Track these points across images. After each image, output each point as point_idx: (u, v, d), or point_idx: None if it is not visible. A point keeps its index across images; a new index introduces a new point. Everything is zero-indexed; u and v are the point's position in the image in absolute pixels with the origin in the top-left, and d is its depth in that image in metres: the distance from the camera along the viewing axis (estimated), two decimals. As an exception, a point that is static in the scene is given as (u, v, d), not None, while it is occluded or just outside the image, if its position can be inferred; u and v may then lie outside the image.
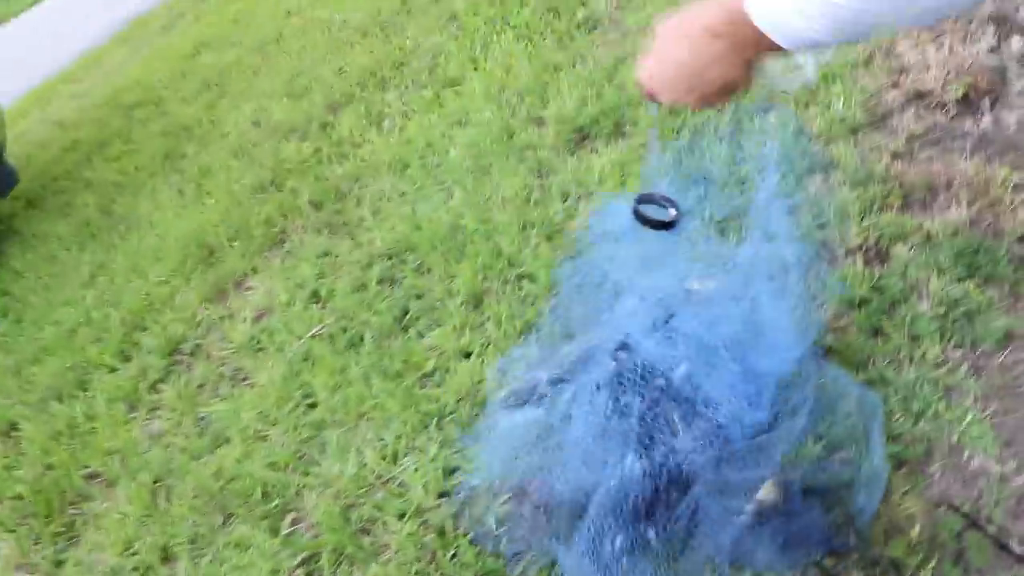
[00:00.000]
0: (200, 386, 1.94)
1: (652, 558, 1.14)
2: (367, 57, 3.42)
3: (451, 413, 1.55)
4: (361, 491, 1.46)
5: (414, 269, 1.99)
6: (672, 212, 1.26)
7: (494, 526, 1.32)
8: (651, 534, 1.15)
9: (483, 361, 1.63)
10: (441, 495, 1.41)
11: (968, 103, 1.96)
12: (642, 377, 1.21)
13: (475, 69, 2.92)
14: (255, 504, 1.52)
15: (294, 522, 1.47)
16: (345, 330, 1.87)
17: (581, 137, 2.31)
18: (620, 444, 1.20)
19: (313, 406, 1.70)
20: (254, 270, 2.31)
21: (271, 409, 1.72)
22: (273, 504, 1.51)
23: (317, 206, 2.48)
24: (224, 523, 1.53)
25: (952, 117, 1.97)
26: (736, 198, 1.73)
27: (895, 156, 1.83)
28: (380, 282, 1.99)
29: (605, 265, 1.50)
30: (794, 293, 1.43)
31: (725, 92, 1.04)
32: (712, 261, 1.38)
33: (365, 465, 1.51)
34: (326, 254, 2.21)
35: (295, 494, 1.52)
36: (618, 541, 1.14)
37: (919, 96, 2.01)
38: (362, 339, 1.82)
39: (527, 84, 2.67)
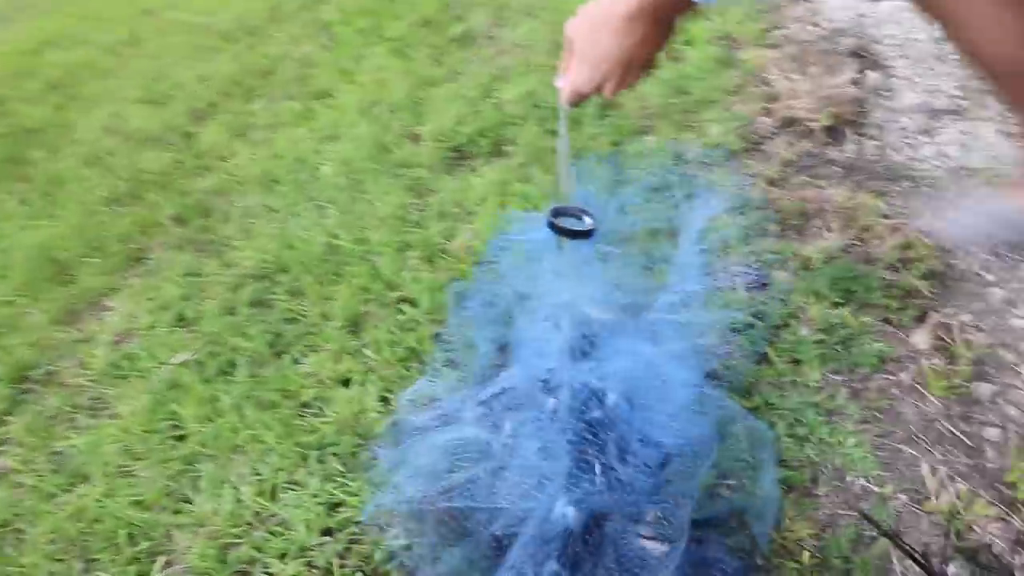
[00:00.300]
0: (53, 417, 1.80)
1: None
2: (232, 64, 3.30)
3: (331, 445, 1.50)
4: (238, 530, 1.40)
5: (287, 291, 1.93)
6: (589, 221, 1.26)
7: (388, 559, 1.29)
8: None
9: (364, 389, 1.60)
10: (324, 532, 1.37)
11: (834, 132, 2.08)
12: (580, 411, 1.22)
13: (347, 82, 2.86)
14: (121, 547, 1.42)
15: (166, 565, 1.39)
16: (215, 356, 1.78)
17: (458, 155, 2.31)
18: (557, 478, 1.21)
19: (182, 438, 1.62)
20: (112, 290, 2.17)
21: (135, 443, 1.62)
22: (141, 547, 1.42)
23: (180, 221, 2.37)
24: (85, 570, 1.43)
25: (821, 144, 2.09)
26: (622, 222, 1.77)
27: (771, 182, 1.92)
28: (251, 305, 1.92)
29: (512, 281, 1.50)
30: (691, 322, 1.48)
31: (648, 67, 1.09)
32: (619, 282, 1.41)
33: (241, 502, 1.45)
34: (192, 274, 2.11)
35: (165, 535, 1.44)
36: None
37: (790, 124, 2.11)
38: (233, 366, 1.75)
39: (401, 99, 2.64)
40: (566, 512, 1.19)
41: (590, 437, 1.26)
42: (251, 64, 3.26)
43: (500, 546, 1.21)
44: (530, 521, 1.18)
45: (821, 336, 1.52)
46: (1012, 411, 1.44)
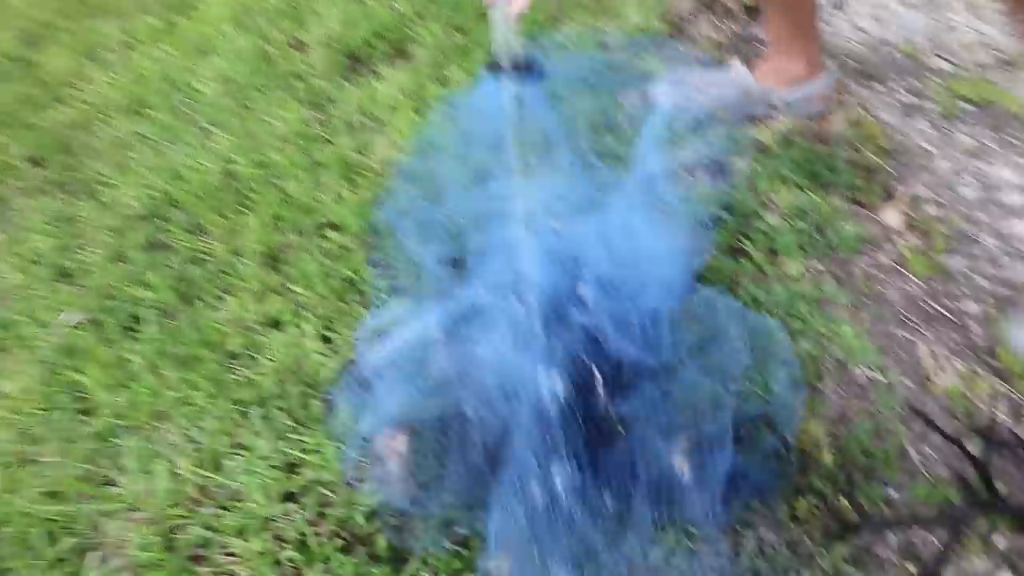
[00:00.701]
0: (-81, 407, 1.52)
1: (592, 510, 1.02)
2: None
3: (275, 398, 1.31)
4: (182, 510, 1.19)
5: (185, 229, 1.67)
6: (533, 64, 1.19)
7: (369, 517, 1.12)
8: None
9: (300, 330, 1.40)
10: (287, 498, 1.18)
11: (754, 11, 1.96)
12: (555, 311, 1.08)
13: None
14: (38, 550, 1.19)
15: (103, 561, 1.18)
16: (112, 312, 1.53)
17: (355, 61, 2.06)
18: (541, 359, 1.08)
19: (90, 412, 1.38)
20: (-35, 249, 1.85)
21: (33, 424, 1.37)
22: (64, 545, 1.19)
23: (38, 162, 2.03)
24: (-2, 580, 1.20)
25: (745, 23, 1.97)
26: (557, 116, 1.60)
27: (705, 66, 1.79)
28: (145, 249, 1.66)
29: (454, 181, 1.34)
30: (667, 221, 1.35)
31: None
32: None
33: (179, 476, 1.24)
34: (62, 220, 1.81)
35: (92, 527, 1.22)
36: (556, 478, 1.01)
37: (709, 4, 1.98)
38: (138, 320, 1.50)
39: (276, 5, 2.35)
40: (554, 381, 1.07)
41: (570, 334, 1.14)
42: (87, -22, 2.84)
43: (496, 460, 1.08)
44: (520, 409, 1.06)
45: (794, 223, 1.43)
46: (983, 283, 1.40)
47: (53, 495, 1.26)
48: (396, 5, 2.21)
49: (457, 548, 1.09)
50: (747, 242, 1.40)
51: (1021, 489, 1.07)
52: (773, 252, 1.39)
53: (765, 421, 1.11)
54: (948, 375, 1.21)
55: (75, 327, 1.52)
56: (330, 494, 1.17)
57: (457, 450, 1.13)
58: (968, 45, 1.97)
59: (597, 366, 1.11)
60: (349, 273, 1.47)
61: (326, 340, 1.38)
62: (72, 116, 2.15)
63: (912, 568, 1.03)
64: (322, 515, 1.15)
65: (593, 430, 1.08)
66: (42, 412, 1.39)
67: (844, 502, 1.08)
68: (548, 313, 1.17)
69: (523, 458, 1.05)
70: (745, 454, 1.05)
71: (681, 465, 1.02)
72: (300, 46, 2.16)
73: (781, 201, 1.45)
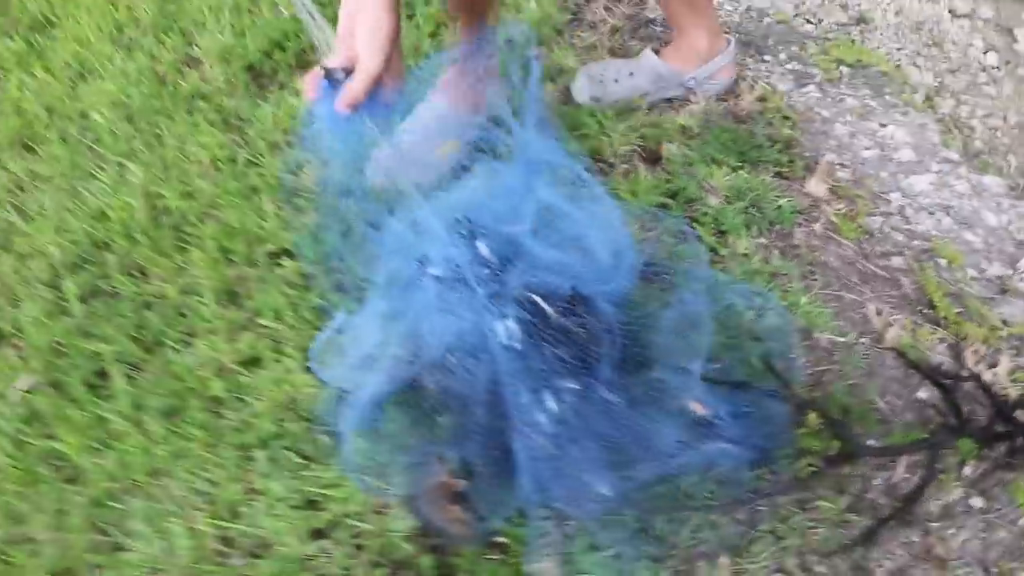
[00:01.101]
0: None
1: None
2: None
3: (277, 437, 1.31)
4: (210, 565, 1.19)
5: (123, 272, 1.62)
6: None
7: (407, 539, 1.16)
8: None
9: (283, 364, 1.40)
10: (317, 535, 1.20)
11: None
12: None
13: (71, 4, 2.38)
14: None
15: (139, 634, 1.16)
16: (70, 370, 1.47)
17: (258, 76, 2.02)
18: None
19: (76, 480, 1.33)
20: None
21: (18, 503, 1.31)
22: (89, 622, 1.17)
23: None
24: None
25: (635, 5, 2.06)
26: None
27: (612, 52, 1.87)
28: (85, 299, 1.59)
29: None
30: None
31: None
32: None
33: (196, 530, 1.23)
34: None
35: (115, 599, 1.20)
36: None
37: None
38: (102, 376, 1.45)
39: (153, 19, 2.25)
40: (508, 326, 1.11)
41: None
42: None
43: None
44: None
45: (734, 203, 1.55)
46: (900, 238, 1.57)
47: (63, 573, 1.22)
48: (283, 9, 2.17)
49: (502, 556, 1.15)
50: (697, 226, 1.51)
51: (979, 416, 1.24)
52: (721, 232, 1.51)
53: (767, 368, 1.21)
54: (895, 329, 1.36)
55: (28, 391, 1.46)
56: (361, 524, 1.20)
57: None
58: (824, 6, 2.15)
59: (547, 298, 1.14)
60: (317, 300, 1.48)
61: (312, 371, 1.39)
62: (-50, 160, 2.00)
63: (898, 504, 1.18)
64: (359, 547, 1.18)
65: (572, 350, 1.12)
66: (23, 489, 1.33)
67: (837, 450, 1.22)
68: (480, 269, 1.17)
69: (514, 401, 1.09)
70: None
71: (696, 406, 1.11)
72: (194, 63, 2.09)
73: (718, 183, 1.57)
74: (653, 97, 1.77)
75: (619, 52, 1.90)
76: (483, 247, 1.18)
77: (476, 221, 1.21)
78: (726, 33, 1.87)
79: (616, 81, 1.77)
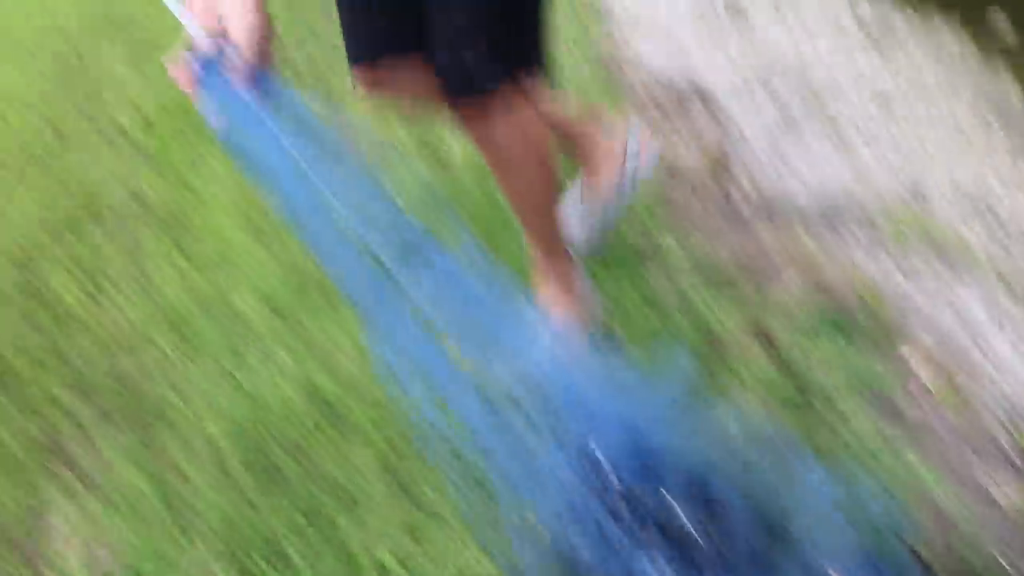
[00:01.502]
0: None
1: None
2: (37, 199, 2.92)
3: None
4: None
5: (292, 458, 1.78)
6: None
7: None
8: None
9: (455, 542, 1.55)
10: None
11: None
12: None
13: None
14: None
15: None
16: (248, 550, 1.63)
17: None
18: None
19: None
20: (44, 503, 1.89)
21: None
22: None
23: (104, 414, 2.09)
24: None
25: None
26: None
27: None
28: (257, 479, 1.76)
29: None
30: None
31: None
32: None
33: None
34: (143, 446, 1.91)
35: None
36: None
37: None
38: (283, 556, 1.61)
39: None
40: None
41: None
42: (62, 198, 2.88)
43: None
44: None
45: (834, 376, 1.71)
46: (990, 398, 1.72)
47: None
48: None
49: None
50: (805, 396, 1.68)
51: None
52: (828, 400, 1.67)
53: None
54: (1005, 489, 1.51)
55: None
56: None
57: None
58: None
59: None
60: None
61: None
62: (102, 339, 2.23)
63: None
64: None
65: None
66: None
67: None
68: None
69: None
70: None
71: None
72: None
73: (818, 355, 1.74)
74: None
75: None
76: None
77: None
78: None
79: (579, 225, 1.89)
